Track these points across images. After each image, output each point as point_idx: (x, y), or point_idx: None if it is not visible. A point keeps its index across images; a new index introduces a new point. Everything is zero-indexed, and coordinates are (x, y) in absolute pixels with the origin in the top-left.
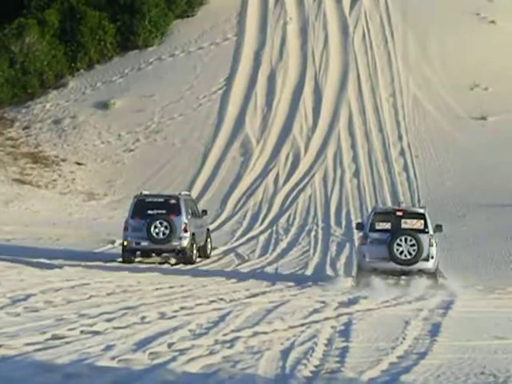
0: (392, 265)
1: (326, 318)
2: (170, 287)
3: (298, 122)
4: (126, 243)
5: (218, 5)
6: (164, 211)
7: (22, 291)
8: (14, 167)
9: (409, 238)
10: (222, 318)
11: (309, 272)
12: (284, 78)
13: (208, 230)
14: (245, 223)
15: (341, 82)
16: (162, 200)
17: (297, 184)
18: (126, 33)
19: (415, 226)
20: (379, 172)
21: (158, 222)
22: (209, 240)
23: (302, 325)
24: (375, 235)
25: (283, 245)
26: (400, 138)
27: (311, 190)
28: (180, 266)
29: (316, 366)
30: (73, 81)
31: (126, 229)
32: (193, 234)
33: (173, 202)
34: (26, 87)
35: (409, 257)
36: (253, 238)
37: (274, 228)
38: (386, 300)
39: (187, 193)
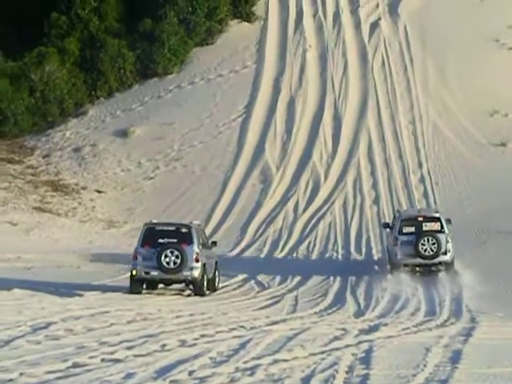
0: (418, 260)
1: (347, 346)
2: (191, 315)
3: (317, 149)
4: (134, 272)
5: (237, 33)
6: (175, 240)
7: (43, 319)
8: (35, 195)
9: (430, 238)
10: (243, 346)
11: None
12: (303, 106)
13: (216, 262)
14: (265, 250)
15: (360, 108)
16: (173, 228)
17: (317, 211)
18: (145, 61)
19: (434, 228)
20: (399, 199)
21: (168, 251)
22: (217, 273)
23: (323, 352)
24: (403, 238)
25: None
26: (420, 165)
27: (331, 217)
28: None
29: None
30: (92, 109)
31: (135, 257)
32: (203, 265)
33: (184, 230)
34: (45, 115)
35: (431, 253)
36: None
37: (294, 255)
38: (406, 327)
39: (198, 222)
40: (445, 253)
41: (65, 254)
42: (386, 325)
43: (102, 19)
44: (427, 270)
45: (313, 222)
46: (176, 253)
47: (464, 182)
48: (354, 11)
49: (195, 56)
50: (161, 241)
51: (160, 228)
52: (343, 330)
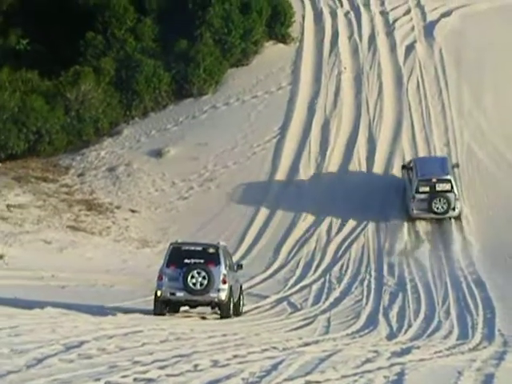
0: (431, 215)
1: (379, 368)
2: (223, 335)
3: (352, 168)
4: (159, 293)
5: (272, 54)
6: (202, 260)
7: (76, 338)
8: (69, 214)
9: (441, 198)
10: (275, 367)
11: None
12: (338, 127)
13: (241, 286)
14: (298, 272)
15: (395, 131)
16: (199, 249)
17: (350, 233)
18: (180, 81)
19: (445, 188)
20: (432, 222)
21: (195, 272)
22: (241, 297)
23: (355, 374)
24: (419, 196)
25: (336, 294)
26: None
27: (364, 239)
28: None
29: None
30: (127, 128)
31: (160, 278)
32: (230, 287)
33: (211, 251)
34: (81, 134)
35: (442, 210)
36: (306, 286)
37: (327, 277)
38: (439, 350)
39: (225, 244)
40: (453, 209)
41: (98, 273)
42: (418, 347)
43: (138, 39)
44: (438, 221)
45: (346, 244)
46: (203, 274)
47: (498, 207)
48: (390, 34)
49: (230, 77)
50: (187, 261)
51: (186, 248)
52: (375, 352)
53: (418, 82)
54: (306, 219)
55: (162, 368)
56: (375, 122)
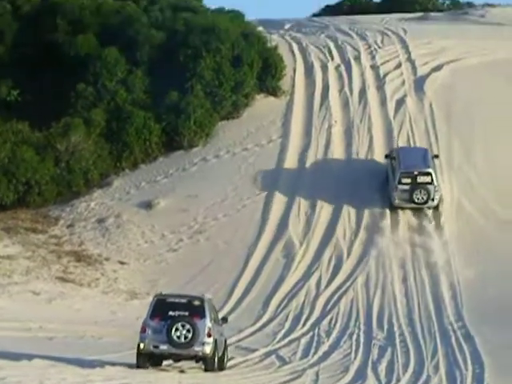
0: (412, 204)
1: None
2: None
3: (340, 225)
4: (142, 346)
5: (263, 107)
6: (187, 313)
7: None
8: (58, 265)
9: (422, 189)
10: None
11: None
12: None
13: (225, 340)
14: (286, 325)
15: (385, 184)
16: (184, 301)
17: (339, 287)
18: (170, 133)
19: (426, 181)
20: (420, 274)
21: (179, 325)
22: (226, 351)
23: None
24: (401, 187)
25: (325, 348)
26: (443, 238)
27: (353, 293)
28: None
29: None
30: (117, 180)
31: (143, 330)
32: (215, 341)
33: (197, 303)
34: (70, 185)
35: (422, 200)
36: (294, 340)
37: (316, 330)
38: None
39: (210, 296)
40: (432, 200)
41: (87, 325)
42: None
43: (128, 90)
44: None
45: (335, 297)
46: (187, 326)
47: (488, 260)
48: (380, 87)
49: (221, 129)
50: (172, 313)
51: (171, 300)
52: None
53: (408, 135)
54: (296, 272)
55: None
56: None
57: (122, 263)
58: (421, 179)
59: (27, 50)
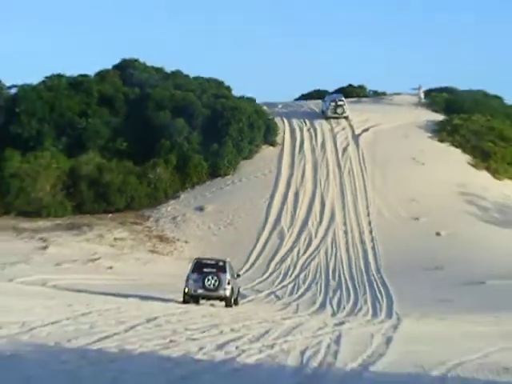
0: (336, 114)
1: (327, 332)
2: (237, 313)
3: (311, 220)
4: (186, 290)
5: (266, 152)
6: (214, 270)
7: (151, 314)
8: (149, 243)
9: (340, 107)
10: (267, 332)
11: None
12: (304, 195)
13: (238, 288)
14: (280, 277)
15: (336, 197)
16: (213, 262)
17: (310, 255)
18: (214, 167)
19: (341, 104)
20: (356, 248)
21: (210, 277)
22: (238, 296)
23: (313, 336)
24: (330, 106)
25: (302, 290)
26: (370, 231)
27: (318, 259)
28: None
29: (320, 361)
30: (183, 194)
31: (187, 280)
32: (232, 288)
33: (221, 264)
34: (156, 198)
35: (340, 114)
36: (284, 286)
37: (297, 280)
38: (360, 323)
39: (229, 260)
40: (345, 112)
41: (166, 277)
42: (349, 322)
43: (189, 143)
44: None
45: (307, 262)
46: (215, 278)
47: (396, 241)
48: (333, 140)
49: (242, 166)
50: (205, 270)
51: (205, 261)
52: (324, 323)
53: (349, 169)
54: (285, 247)
55: (202, 332)
56: (324, 191)
57: (186, 242)
58: (339, 103)
59: (132, 119)
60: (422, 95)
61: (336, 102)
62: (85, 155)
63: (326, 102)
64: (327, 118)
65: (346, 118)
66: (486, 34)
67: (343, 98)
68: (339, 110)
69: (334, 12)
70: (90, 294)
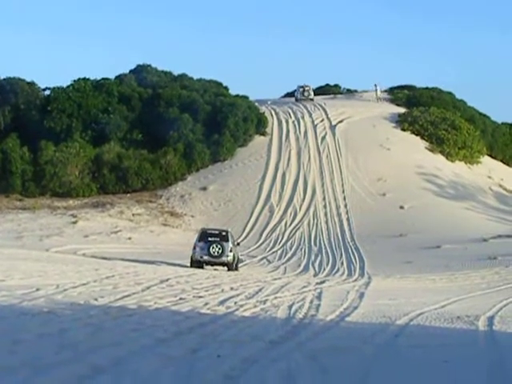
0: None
1: (310, 290)
2: (235, 275)
3: (296, 197)
4: (193, 257)
5: (258, 141)
6: (218, 239)
7: (165, 276)
8: (161, 218)
9: (308, 92)
10: (260, 290)
11: (300, 268)
12: (289, 176)
13: (238, 255)
14: (271, 244)
15: (317, 177)
16: (217, 232)
17: (295, 226)
18: (214, 154)
19: (308, 89)
20: (335, 221)
21: (214, 245)
22: (238, 261)
23: (298, 293)
24: (301, 96)
25: (289, 255)
26: (345, 205)
27: (302, 229)
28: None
29: (305, 313)
30: (190, 177)
31: (194, 248)
32: (234, 255)
33: (224, 233)
34: (167, 180)
35: (307, 97)
36: (274, 251)
37: (285, 247)
38: (337, 281)
39: (230, 230)
40: (310, 95)
41: (176, 246)
42: (328, 280)
43: (194, 134)
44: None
45: (293, 231)
46: (219, 246)
47: (367, 214)
48: (314, 130)
49: (238, 152)
50: (210, 239)
51: (209, 231)
52: (308, 282)
53: (327, 154)
54: (274, 220)
55: (206, 291)
56: (307, 173)
57: (192, 216)
58: (306, 89)
59: (146, 115)
60: (379, 93)
61: (304, 88)
62: (107, 145)
63: (297, 90)
64: (297, 100)
65: (312, 99)
66: (440, 38)
67: (309, 85)
68: (306, 94)
69: (310, 22)
70: (113, 261)
